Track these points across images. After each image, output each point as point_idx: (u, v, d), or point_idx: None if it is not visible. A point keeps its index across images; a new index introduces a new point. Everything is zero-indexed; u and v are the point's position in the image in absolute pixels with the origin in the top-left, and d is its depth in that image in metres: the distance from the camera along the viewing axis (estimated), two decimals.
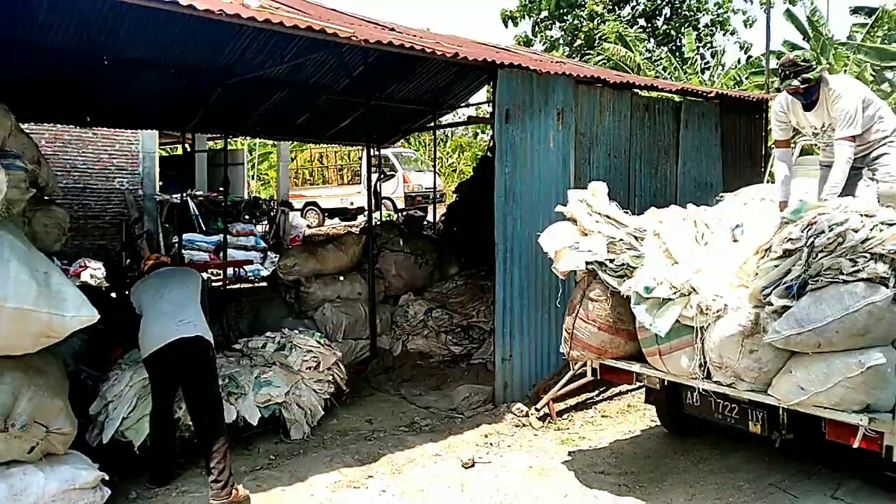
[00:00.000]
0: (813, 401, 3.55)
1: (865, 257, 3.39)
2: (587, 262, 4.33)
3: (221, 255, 11.69)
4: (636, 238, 4.44)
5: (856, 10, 17.14)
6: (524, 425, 5.66)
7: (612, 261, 4.31)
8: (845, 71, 15.20)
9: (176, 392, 4.64)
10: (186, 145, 13.77)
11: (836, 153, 4.71)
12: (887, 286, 3.36)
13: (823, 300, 3.42)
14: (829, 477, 4.44)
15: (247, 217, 15.10)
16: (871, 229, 3.44)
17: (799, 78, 4.58)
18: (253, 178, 23.39)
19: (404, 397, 6.53)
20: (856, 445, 3.56)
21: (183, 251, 11.78)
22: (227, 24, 4.37)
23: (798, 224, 3.60)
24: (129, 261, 11.60)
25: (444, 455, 5.08)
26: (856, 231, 3.43)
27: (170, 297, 4.65)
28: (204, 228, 13.97)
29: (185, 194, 13.55)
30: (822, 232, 3.47)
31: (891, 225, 3.45)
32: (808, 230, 3.52)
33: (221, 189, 14.04)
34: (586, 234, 4.49)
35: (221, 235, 11.82)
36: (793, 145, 5.31)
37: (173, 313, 4.53)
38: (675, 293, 3.91)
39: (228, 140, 12.25)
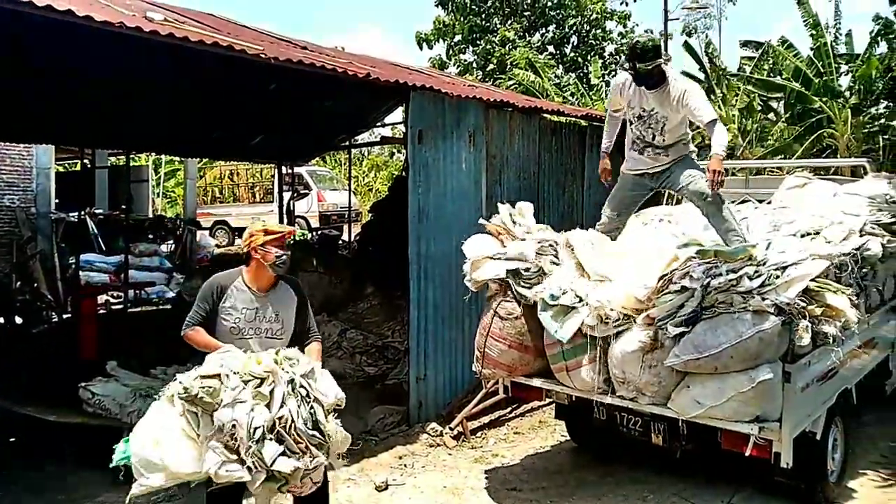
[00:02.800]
0: (709, 413, 3.76)
1: (755, 297, 3.63)
2: (505, 270, 4.44)
3: (123, 276, 11.12)
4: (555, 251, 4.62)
5: (745, 44, 18.43)
6: (439, 445, 5.66)
7: (527, 269, 4.44)
8: (736, 101, 16.29)
9: None
10: (86, 161, 13.05)
11: (713, 131, 4.57)
12: (774, 314, 3.61)
13: (718, 327, 3.67)
14: (726, 484, 4.67)
15: (151, 236, 14.45)
16: (769, 277, 3.68)
17: (637, 63, 4.61)
18: (158, 196, 22.44)
19: None
20: (748, 453, 3.79)
21: (80, 272, 11.13)
22: (129, 37, 4.20)
23: (702, 264, 3.81)
24: (18, 283, 10.84)
25: (357, 479, 5.00)
26: (751, 278, 3.67)
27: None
28: (104, 248, 13.25)
29: (83, 212, 12.83)
30: (721, 274, 3.71)
31: (784, 269, 3.71)
32: (708, 272, 3.74)
33: (124, 207, 13.39)
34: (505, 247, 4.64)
35: (123, 255, 11.26)
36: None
37: None
38: (579, 302, 4.07)
39: (132, 156, 11.72)
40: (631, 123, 5.02)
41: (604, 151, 5.28)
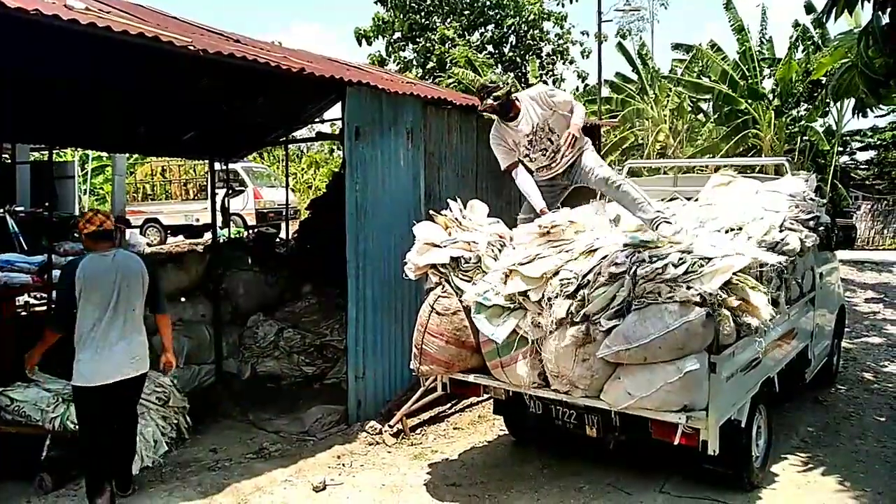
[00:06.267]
0: (639, 404, 3.86)
1: (681, 287, 3.75)
2: (441, 265, 4.48)
3: (46, 276, 10.63)
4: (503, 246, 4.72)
5: (676, 47, 19.06)
6: (378, 443, 5.63)
7: (467, 261, 4.49)
8: (668, 102, 16.82)
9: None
10: (5, 156, 12.41)
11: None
12: (700, 305, 3.73)
13: (647, 318, 3.77)
14: (658, 473, 4.81)
15: (76, 235, 13.86)
16: (693, 265, 3.81)
17: (491, 96, 4.77)
18: (85, 193, 21.52)
19: (253, 423, 6.26)
20: (676, 442, 3.91)
21: None
22: (48, 25, 3.99)
23: (625, 250, 3.92)
24: None
25: (294, 480, 4.92)
26: (675, 266, 3.79)
27: (121, 311, 4.24)
28: (26, 248, 12.63)
29: (2, 210, 12.18)
30: (644, 261, 3.82)
31: (708, 260, 3.85)
32: (632, 258, 3.85)
33: (47, 204, 12.79)
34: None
35: (46, 255, 10.75)
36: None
37: (127, 342, 4.26)
38: (510, 304, 4.13)
39: (56, 151, 11.19)
40: (524, 159, 5.11)
41: (541, 211, 4.88)
